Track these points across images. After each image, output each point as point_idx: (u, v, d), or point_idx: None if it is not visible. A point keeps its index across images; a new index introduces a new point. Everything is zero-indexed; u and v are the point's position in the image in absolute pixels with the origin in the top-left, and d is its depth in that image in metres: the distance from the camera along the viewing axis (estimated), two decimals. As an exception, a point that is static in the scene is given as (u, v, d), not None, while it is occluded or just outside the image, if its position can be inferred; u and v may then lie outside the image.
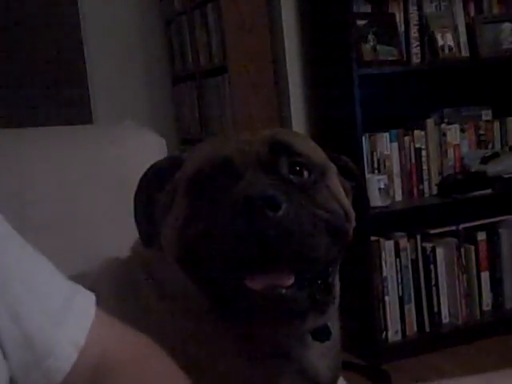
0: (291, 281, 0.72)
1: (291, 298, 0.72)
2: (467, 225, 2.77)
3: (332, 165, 0.86)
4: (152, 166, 0.89)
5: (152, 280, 0.88)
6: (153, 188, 0.87)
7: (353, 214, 0.84)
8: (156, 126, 1.57)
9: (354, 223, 0.84)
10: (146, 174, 0.88)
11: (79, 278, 0.78)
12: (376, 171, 2.67)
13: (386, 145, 2.68)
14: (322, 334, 0.84)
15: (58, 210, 1.15)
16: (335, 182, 0.84)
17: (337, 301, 0.89)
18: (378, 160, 2.68)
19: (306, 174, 0.79)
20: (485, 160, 2.72)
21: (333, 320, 0.89)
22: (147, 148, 1.20)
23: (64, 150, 1.22)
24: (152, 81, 3.77)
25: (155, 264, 0.89)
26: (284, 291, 0.72)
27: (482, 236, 2.78)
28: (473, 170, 2.72)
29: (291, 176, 0.78)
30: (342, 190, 0.85)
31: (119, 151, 1.21)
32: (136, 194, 0.87)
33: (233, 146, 0.81)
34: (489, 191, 2.69)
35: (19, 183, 1.13)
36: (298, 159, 0.79)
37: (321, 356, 0.87)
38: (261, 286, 0.71)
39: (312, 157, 0.82)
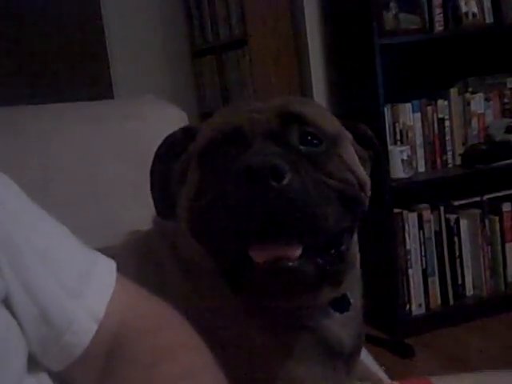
0: (298, 252, 0.70)
1: (298, 270, 0.70)
2: (491, 195, 2.73)
3: (347, 133, 0.84)
4: (167, 138, 0.88)
5: (175, 253, 0.87)
6: (168, 160, 0.87)
7: (368, 184, 0.82)
8: (176, 99, 1.56)
9: (369, 192, 0.83)
10: (160, 146, 0.88)
11: (102, 252, 0.77)
12: (398, 142, 2.64)
13: (408, 115, 2.65)
14: (340, 304, 0.83)
15: (81, 186, 1.15)
16: (349, 151, 0.82)
17: (357, 271, 0.88)
18: (401, 131, 2.65)
19: (316, 143, 0.77)
20: (509, 129, 2.67)
21: (353, 290, 0.88)
22: (168, 122, 1.19)
23: (86, 125, 1.21)
24: (172, 55, 3.75)
25: (177, 237, 0.88)
26: (290, 263, 0.69)
27: (506, 207, 2.75)
28: (497, 140, 2.68)
29: (301, 146, 0.76)
30: (356, 158, 0.83)
31: (140, 125, 1.20)
32: (152, 167, 0.87)
33: (243, 115, 0.80)
34: (514, 161, 2.65)
35: (42, 160, 1.13)
36: (308, 129, 0.77)
37: (342, 326, 0.86)
38: (264, 258, 0.69)
39: (323, 126, 0.79)
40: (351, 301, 0.86)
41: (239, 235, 0.70)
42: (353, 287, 0.88)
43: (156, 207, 0.88)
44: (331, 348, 0.84)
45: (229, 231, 0.70)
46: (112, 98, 3.44)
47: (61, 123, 1.20)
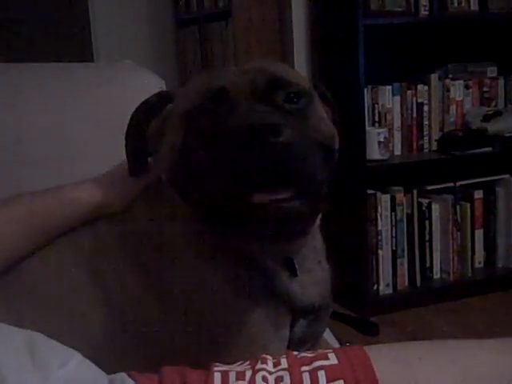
0: (293, 196, 0.77)
1: (295, 209, 0.77)
2: (464, 182, 2.76)
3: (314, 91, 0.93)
4: (143, 102, 0.94)
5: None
6: (144, 123, 0.93)
7: (336, 136, 0.90)
8: (158, 68, 1.55)
9: (338, 145, 0.90)
10: (136, 110, 0.93)
11: None
12: (376, 124, 2.66)
13: (388, 98, 2.66)
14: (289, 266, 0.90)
15: (54, 147, 1.14)
16: (320, 107, 0.91)
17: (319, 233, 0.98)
18: (379, 113, 2.66)
19: (296, 101, 0.85)
20: (487, 118, 2.70)
21: (320, 250, 0.97)
22: (145, 88, 1.18)
23: (62, 86, 1.20)
24: (155, 23, 3.71)
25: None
26: (288, 204, 0.77)
27: (478, 194, 2.78)
28: (474, 128, 2.70)
29: (285, 104, 0.84)
30: (325, 113, 0.92)
31: (118, 90, 1.20)
32: (127, 129, 0.93)
33: (226, 77, 0.86)
34: (488, 149, 2.68)
35: (15, 117, 1.12)
36: (290, 88, 0.85)
37: (308, 285, 0.92)
38: (266, 201, 0.76)
39: (301, 84, 0.88)
40: (322, 264, 0.96)
41: (240, 186, 0.76)
42: (319, 248, 0.98)
43: (129, 167, 0.94)
44: (298, 304, 0.90)
45: (229, 183, 0.76)
46: (92, 61, 3.40)
47: (37, 82, 1.18)
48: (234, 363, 0.78)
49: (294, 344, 0.92)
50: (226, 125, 0.78)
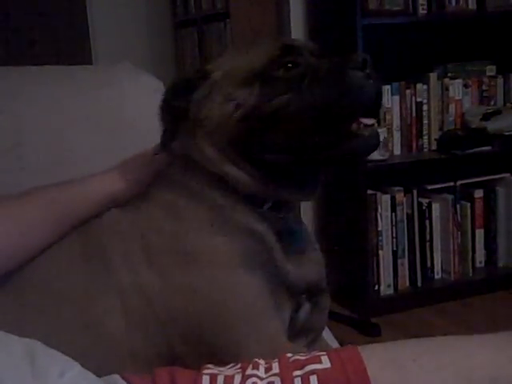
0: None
1: (378, 133, 0.92)
2: (464, 181, 2.76)
3: None
4: (181, 79, 0.98)
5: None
6: (182, 97, 0.95)
7: None
8: (156, 70, 1.55)
9: None
10: (173, 84, 0.97)
11: None
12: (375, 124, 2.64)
13: (387, 97, 2.65)
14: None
15: (56, 151, 1.14)
16: None
17: None
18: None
19: None
20: (486, 117, 2.69)
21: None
22: (144, 90, 1.18)
23: (62, 89, 1.20)
24: (154, 25, 3.72)
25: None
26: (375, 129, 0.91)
27: (478, 193, 2.78)
28: (473, 127, 2.70)
29: None
30: None
31: (116, 92, 1.19)
32: (163, 104, 0.96)
33: (282, 41, 0.97)
34: (488, 148, 2.67)
35: (15, 121, 1.11)
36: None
37: (304, 263, 0.97)
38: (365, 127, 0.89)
39: None
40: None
41: (342, 116, 0.87)
42: (308, 230, 1.06)
43: (164, 140, 0.96)
44: (289, 283, 0.93)
45: (329, 116, 0.86)
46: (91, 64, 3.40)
47: (37, 86, 1.18)
48: (231, 344, 0.80)
49: (297, 332, 0.94)
50: (317, 68, 0.90)
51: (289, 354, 0.76)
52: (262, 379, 0.72)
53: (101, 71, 1.37)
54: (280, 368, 0.73)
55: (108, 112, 1.18)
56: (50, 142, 1.13)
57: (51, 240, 0.94)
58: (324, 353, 0.75)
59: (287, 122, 0.88)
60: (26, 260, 0.92)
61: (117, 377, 0.76)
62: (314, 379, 0.70)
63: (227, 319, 0.86)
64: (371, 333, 2.44)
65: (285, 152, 0.90)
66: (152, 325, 0.86)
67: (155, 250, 0.90)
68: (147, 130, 1.17)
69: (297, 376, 0.71)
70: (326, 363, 0.72)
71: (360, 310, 2.60)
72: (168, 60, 3.71)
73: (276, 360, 0.75)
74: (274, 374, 0.72)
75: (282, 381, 0.71)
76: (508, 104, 2.85)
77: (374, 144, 0.92)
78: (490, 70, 2.89)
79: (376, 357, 0.74)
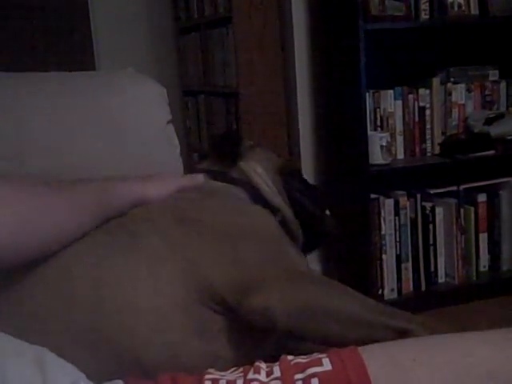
0: None
1: None
2: (468, 186, 2.75)
3: None
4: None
5: None
6: None
7: None
8: (159, 76, 1.55)
9: None
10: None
11: None
12: (379, 129, 2.65)
13: (389, 102, 2.66)
14: None
15: (57, 159, 1.14)
16: None
17: None
18: (381, 117, 2.66)
19: None
20: (489, 121, 2.69)
21: None
22: (147, 96, 1.19)
23: (64, 96, 1.20)
24: (156, 31, 3.73)
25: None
26: None
27: (482, 197, 2.77)
28: (476, 131, 2.70)
29: None
30: None
31: (119, 98, 1.19)
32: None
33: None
34: (491, 152, 2.67)
35: (16, 129, 1.11)
36: None
37: None
38: None
39: None
40: None
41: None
42: None
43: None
44: None
45: None
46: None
47: (39, 92, 1.18)
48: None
49: None
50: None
51: (290, 357, 0.76)
52: (263, 383, 0.73)
53: (104, 77, 1.37)
54: (281, 371, 0.73)
55: (111, 118, 1.18)
56: (52, 150, 1.13)
57: (80, 233, 0.91)
58: (325, 355, 0.75)
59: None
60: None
61: (119, 382, 0.77)
62: (315, 382, 0.70)
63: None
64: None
65: None
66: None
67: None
68: (150, 136, 1.17)
69: (298, 379, 0.71)
70: (326, 365, 0.73)
71: (364, 314, 2.59)
72: (171, 66, 3.72)
73: (277, 363, 0.76)
74: (276, 378, 0.73)
75: None
76: (511, 108, 2.85)
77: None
78: (493, 74, 2.88)
79: (376, 357, 0.74)
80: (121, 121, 1.13)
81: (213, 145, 1.19)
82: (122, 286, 0.87)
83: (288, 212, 1.12)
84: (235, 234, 0.93)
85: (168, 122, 1.25)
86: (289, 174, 1.16)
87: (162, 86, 1.30)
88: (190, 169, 1.18)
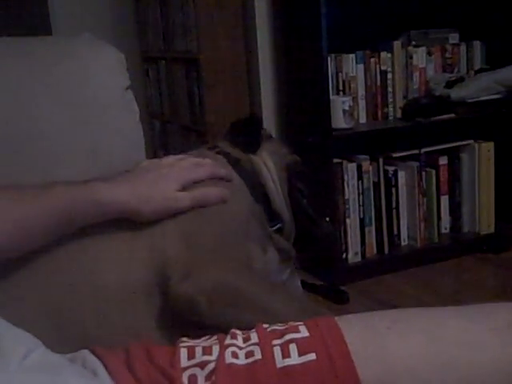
0: None
1: None
2: (429, 149, 2.78)
3: None
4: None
5: None
6: None
7: None
8: (118, 42, 1.52)
9: None
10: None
11: None
12: (341, 93, 2.65)
13: (351, 66, 2.66)
14: None
15: (15, 125, 1.10)
16: None
17: None
18: (343, 81, 2.66)
19: None
20: (449, 84, 2.71)
21: None
22: (105, 62, 1.16)
23: (20, 62, 1.16)
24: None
25: None
26: None
27: (443, 160, 2.81)
28: (437, 94, 2.71)
29: None
30: None
31: (77, 64, 1.16)
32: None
33: None
34: (452, 116, 2.70)
35: (-29, 96, 1.08)
36: None
37: None
38: None
39: None
40: None
41: None
42: None
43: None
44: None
45: None
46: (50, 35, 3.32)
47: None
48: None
49: None
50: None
51: (265, 325, 0.77)
52: (241, 348, 0.73)
53: (61, 42, 1.33)
54: (259, 337, 0.74)
55: (69, 85, 1.15)
56: (9, 118, 1.10)
57: (48, 240, 0.90)
58: (301, 323, 0.76)
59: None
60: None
61: (86, 352, 0.76)
62: (293, 347, 0.71)
63: None
64: (340, 300, 2.47)
65: None
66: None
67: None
68: (108, 102, 1.15)
69: (276, 345, 0.72)
70: (304, 332, 0.73)
71: (329, 278, 2.62)
72: (130, 30, 3.65)
73: (253, 330, 0.76)
74: (253, 344, 0.73)
75: (261, 350, 0.72)
76: (471, 71, 2.87)
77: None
78: (453, 37, 2.90)
79: (352, 325, 0.75)
80: (80, 87, 1.10)
81: (233, 127, 1.16)
82: (96, 270, 0.89)
83: (287, 214, 1.11)
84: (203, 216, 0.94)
85: (127, 88, 1.22)
86: (295, 173, 1.17)
87: (120, 51, 1.27)
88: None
